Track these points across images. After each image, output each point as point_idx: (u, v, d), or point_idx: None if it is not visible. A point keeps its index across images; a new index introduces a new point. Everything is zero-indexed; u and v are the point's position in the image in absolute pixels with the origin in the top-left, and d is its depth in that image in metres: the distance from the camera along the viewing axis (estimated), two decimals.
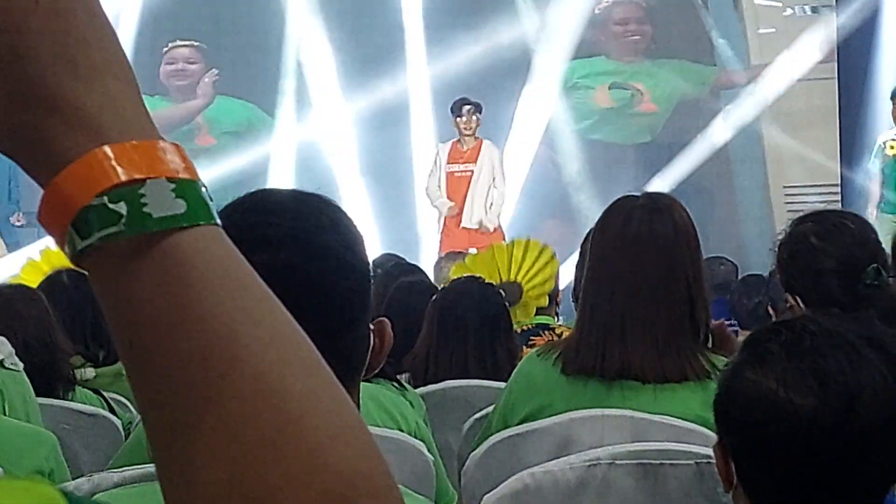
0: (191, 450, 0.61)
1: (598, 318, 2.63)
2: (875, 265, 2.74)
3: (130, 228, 0.61)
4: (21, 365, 2.92)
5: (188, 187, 0.63)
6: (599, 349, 2.61)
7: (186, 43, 10.79)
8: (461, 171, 9.23)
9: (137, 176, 0.61)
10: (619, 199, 2.75)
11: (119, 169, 0.61)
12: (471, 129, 9.13)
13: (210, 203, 0.64)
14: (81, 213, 0.61)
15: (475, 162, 9.20)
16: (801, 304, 2.76)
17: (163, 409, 0.62)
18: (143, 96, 0.65)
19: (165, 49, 10.76)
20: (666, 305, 2.58)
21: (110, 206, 0.61)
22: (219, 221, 0.64)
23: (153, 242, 0.62)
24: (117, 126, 0.62)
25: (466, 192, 9.20)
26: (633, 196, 2.75)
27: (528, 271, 4.72)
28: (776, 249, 2.88)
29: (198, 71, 10.87)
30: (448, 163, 9.25)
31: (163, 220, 0.61)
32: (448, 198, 9.24)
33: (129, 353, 0.63)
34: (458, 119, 9.14)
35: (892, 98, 8.98)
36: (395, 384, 3.06)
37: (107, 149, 0.62)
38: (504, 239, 8.94)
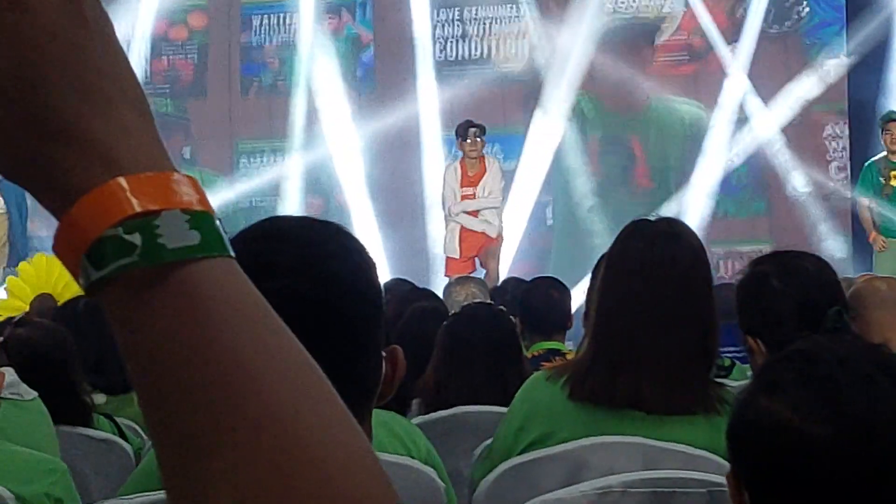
0: (203, 477, 0.61)
1: (610, 344, 2.58)
2: (837, 308, 2.66)
3: (145, 259, 0.61)
4: (32, 394, 2.94)
5: (202, 219, 0.63)
6: (609, 377, 2.56)
7: None
8: (472, 196, 9.27)
9: (152, 207, 0.62)
10: (635, 223, 2.70)
11: (134, 200, 0.61)
12: (476, 151, 9.21)
13: (224, 235, 0.64)
14: (96, 243, 0.61)
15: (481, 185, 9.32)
16: (762, 347, 2.66)
17: (175, 436, 0.62)
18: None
19: None
20: (681, 334, 2.54)
21: (125, 236, 0.61)
22: (233, 253, 0.64)
23: (167, 273, 0.62)
24: (132, 157, 0.63)
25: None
26: (648, 220, 2.71)
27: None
28: (735, 289, 2.78)
29: None
30: (461, 186, 9.31)
31: (177, 252, 0.62)
32: (463, 220, 9.31)
33: (143, 381, 0.63)
34: (464, 142, 9.23)
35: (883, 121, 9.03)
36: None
37: (122, 180, 0.62)
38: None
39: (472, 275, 7.96)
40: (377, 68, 10.59)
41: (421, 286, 6.13)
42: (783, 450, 1.50)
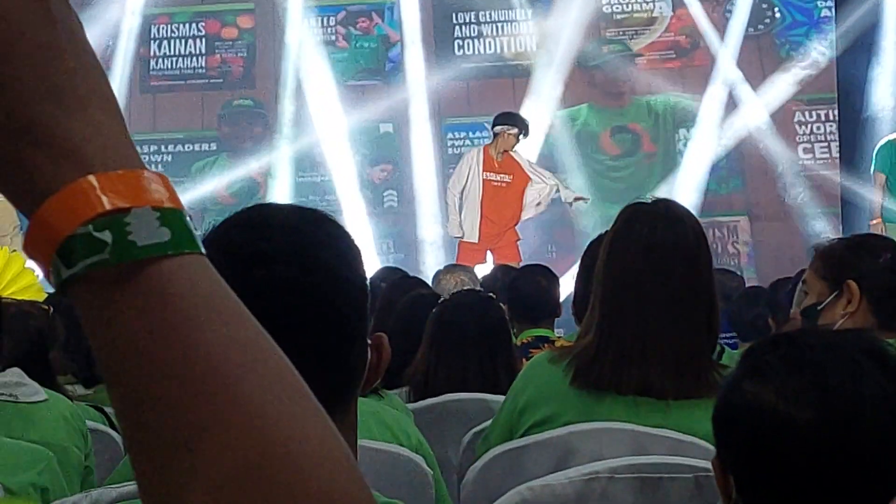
0: (175, 475, 0.61)
1: (617, 331, 2.55)
2: None
3: (115, 257, 0.61)
4: (36, 396, 2.88)
5: (173, 216, 0.63)
6: (617, 365, 2.54)
7: None
8: (498, 182, 9.16)
9: (122, 205, 0.62)
10: (634, 206, 2.67)
11: (104, 198, 0.62)
12: (510, 146, 9.06)
13: (194, 232, 0.64)
14: (66, 242, 0.62)
15: (508, 173, 9.15)
16: (861, 294, 2.63)
17: (147, 434, 0.62)
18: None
19: None
20: (687, 317, 2.52)
21: (95, 234, 0.61)
22: (203, 250, 0.64)
23: (138, 270, 0.62)
24: (102, 156, 0.63)
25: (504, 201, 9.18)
26: (646, 203, 2.69)
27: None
28: (842, 244, 2.82)
29: None
30: (483, 170, 9.17)
31: (147, 249, 0.62)
32: (484, 205, 9.15)
33: (114, 379, 0.63)
34: (510, 135, 8.99)
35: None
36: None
37: (91, 178, 0.62)
38: (517, 246, 9.02)
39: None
40: (403, 63, 11.01)
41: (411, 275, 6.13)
42: (768, 434, 1.51)
